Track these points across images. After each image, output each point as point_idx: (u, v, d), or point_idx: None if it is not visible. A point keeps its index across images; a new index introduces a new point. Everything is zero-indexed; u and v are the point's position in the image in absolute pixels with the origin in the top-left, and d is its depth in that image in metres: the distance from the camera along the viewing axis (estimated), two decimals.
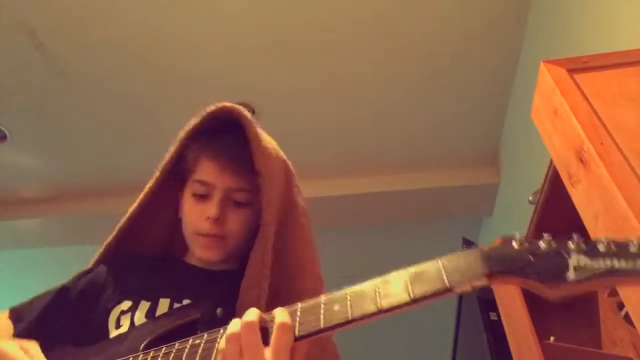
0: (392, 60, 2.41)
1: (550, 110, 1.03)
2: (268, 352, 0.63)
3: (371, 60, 2.42)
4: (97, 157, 2.92)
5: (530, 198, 1.60)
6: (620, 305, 1.29)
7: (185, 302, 0.92)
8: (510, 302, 1.41)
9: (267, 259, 0.91)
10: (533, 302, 1.33)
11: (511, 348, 1.39)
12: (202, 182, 0.98)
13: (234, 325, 0.66)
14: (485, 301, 1.71)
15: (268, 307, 0.86)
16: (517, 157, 2.58)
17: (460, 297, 1.99)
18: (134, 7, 2.19)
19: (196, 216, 0.97)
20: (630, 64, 1.04)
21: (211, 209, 0.95)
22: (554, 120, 1.02)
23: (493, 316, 1.65)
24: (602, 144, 0.88)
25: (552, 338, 1.34)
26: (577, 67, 1.05)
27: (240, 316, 0.87)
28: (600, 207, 0.85)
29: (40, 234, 3.26)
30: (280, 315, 0.65)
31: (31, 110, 2.63)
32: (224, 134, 0.99)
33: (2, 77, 2.46)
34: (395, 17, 2.24)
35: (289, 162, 1.05)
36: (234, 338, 0.65)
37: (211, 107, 0.99)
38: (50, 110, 2.63)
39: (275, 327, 0.64)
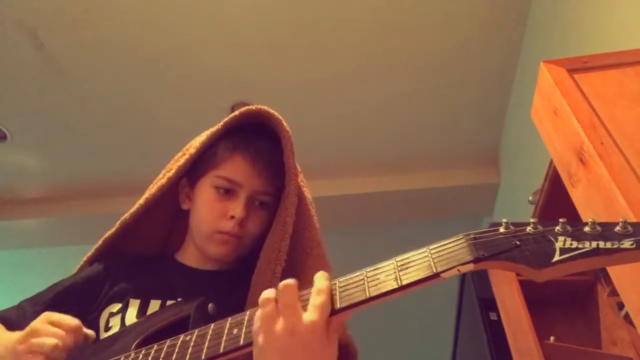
0: (392, 60, 2.41)
1: (550, 110, 1.03)
2: (307, 313, 0.62)
3: (371, 60, 2.42)
4: (97, 157, 2.92)
5: (530, 198, 1.60)
6: (620, 305, 1.29)
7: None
8: (510, 302, 1.41)
9: (284, 245, 0.91)
10: (533, 302, 1.33)
11: (511, 348, 1.39)
12: (229, 180, 0.96)
13: (268, 292, 0.64)
14: (485, 301, 1.71)
15: None
16: (517, 157, 2.57)
17: (461, 297, 1.99)
18: (134, 7, 2.19)
19: (218, 213, 0.96)
20: (630, 64, 1.04)
21: (237, 208, 0.94)
22: (554, 120, 1.02)
23: (493, 316, 1.65)
24: (602, 144, 0.88)
25: (552, 338, 1.34)
26: (577, 67, 1.04)
27: (252, 303, 0.85)
28: (600, 207, 0.85)
29: (40, 234, 3.26)
30: (320, 279, 0.64)
31: (31, 110, 2.63)
32: (257, 136, 1.00)
33: (2, 77, 2.46)
34: (394, 17, 2.24)
35: None
36: (269, 301, 0.63)
37: (241, 110, 0.99)
38: (50, 110, 2.63)
39: (313, 290, 0.63)
